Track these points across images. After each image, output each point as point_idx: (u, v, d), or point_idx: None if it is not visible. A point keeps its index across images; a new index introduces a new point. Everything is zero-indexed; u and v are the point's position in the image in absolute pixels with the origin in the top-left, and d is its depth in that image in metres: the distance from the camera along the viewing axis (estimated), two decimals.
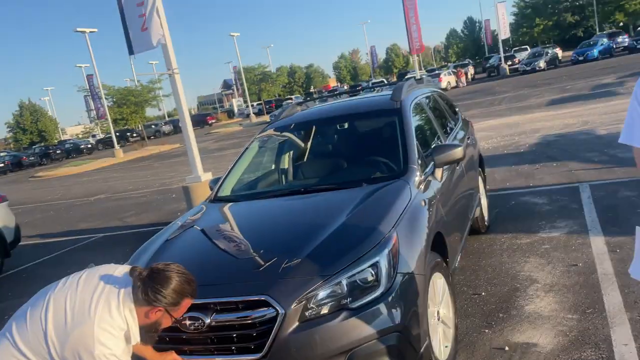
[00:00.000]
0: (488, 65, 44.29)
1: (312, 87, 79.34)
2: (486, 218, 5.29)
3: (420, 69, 35.32)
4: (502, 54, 41.79)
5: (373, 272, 2.45)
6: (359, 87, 33.21)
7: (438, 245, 3.08)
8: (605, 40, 36.32)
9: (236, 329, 2.38)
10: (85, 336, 1.89)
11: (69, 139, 56.07)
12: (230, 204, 3.75)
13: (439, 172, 3.58)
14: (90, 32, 30.58)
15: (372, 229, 2.66)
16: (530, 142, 9.70)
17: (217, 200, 3.90)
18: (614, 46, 35.52)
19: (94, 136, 51.36)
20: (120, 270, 2.08)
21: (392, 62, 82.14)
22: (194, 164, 7.41)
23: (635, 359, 2.77)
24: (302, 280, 2.39)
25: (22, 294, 5.87)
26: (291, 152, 4.51)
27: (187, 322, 2.38)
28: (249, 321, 2.35)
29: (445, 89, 31.18)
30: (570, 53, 37.91)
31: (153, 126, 52.21)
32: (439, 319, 2.89)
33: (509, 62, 40.44)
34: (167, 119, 62.03)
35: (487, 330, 3.34)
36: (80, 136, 58.40)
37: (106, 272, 2.06)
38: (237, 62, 50.10)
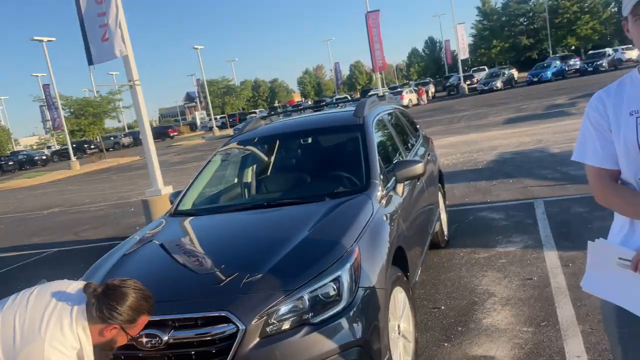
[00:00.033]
0: (448, 84, 45.56)
1: (276, 101, 79.50)
2: (446, 233, 5.39)
3: (383, 86, 35.95)
4: (461, 74, 43.12)
5: (335, 287, 2.45)
6: (323, 103, 33.51)
7: (399, 259, 3.12)
8: (558, 62, 38.07)
9: (195, 346, 2.33)
10: (35, 355, 1.80)
11: (23, 150, 53.95)
12: (191, 217, 3.69)
13: (400, 188, 3.64)
14: (48, 41, 29.72)
15: (334, 244, 2.66)
16: (488, 159, 9.99)
17: (177, 214, 3.83)
18: (567, 68, 37.21)
19: (49, 147, 49.68)
20: (74, 286, 2.00)
21: (356, 78, 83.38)
22: (154, 176, 7.26)
23: None
24: (264, 295, 2.37)
25: None
26: (254, 166, 4.49)
27: (144, 340, 2.31)
28: (208, 338, 2.31)
29: (406, 106, 31.85)
30: (525, 74, 39.48)
31: (112, 138, 51.03)
32: (399, 333, 2.92)
33: (468, 82, 41.76)
34: (127, 130, 60.73)
35: (446, 344, 3.39)
36: (34, 147, 56.40)
37: (59, 288, 1.98)
38: (200, 75, 49.74)
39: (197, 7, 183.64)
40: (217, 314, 2.32)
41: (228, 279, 2.50)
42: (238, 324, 2.27)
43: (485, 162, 9.72)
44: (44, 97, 36.26)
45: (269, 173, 4.37)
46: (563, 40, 57.00)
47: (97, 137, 39.79)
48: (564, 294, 3.75)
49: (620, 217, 1.78)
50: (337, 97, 51.98)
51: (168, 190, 7.11)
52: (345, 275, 2.48)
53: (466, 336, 3.44)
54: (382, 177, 3.47)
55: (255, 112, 51.83)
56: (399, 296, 2.95)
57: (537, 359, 3.04)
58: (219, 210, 3.79)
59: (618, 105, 1.71)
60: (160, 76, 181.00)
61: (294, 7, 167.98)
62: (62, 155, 43.24)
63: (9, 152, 53.70)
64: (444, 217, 5.42)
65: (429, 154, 5.17)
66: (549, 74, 35.47)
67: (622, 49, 38.46)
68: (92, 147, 45.03)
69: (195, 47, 44.96)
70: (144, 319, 2.00)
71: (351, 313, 2.42)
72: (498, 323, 3.53)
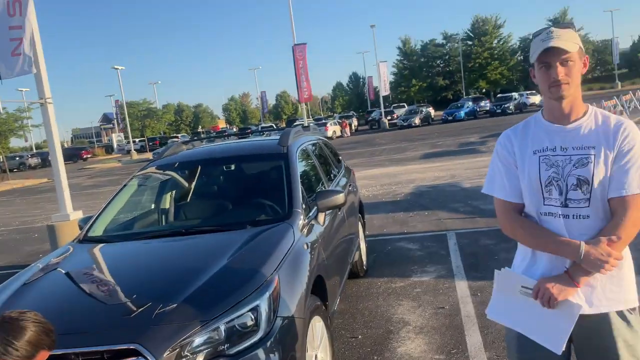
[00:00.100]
0: (370, 118, 47.24)
1: (200, 126, 78.08)
2: (364, 262, 5.50)
3: (308, 117, 36.57)
4: (382, 109, 44.95)
5: (253, 317, 2.41)
6: (249, 130, 33.41)
7: (318, 288, 3.13)
8: (470, 103, 40.96)
9: None
10: None
11: None
12: (102, 244, 3.49)
13: (321, 217, 3.68)
14: None
15: (253, 272, 2.63)
16: (406, 192, 10.40)
17: (86, 240, 3.61)
18: (478, 109, 39.98)
19: None
20: None
21: (282, 108, 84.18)
22: (62, 200, 6.83)
23: None
24: (177, 327, 2.28)
25: None
26: (173, 192, 4.35)
27: None
28: None
29: (330, 138, 32.53)
30: (441, 113, 41.91)
31: (17, 158, 47.42)
32: None
33: (389, 117, 43.58)
34: (34, 151, 56.73)
35: None
36: None
37: None
38: (120, 96, 47.91)
39: (119, 26, 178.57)
40: (126, 347, 2.19)
41: (139, 310, 2.38)
42: (149, 357, 2.16)
43: (404, 195, 10.10)
44: None
45: (188, 199, 4.26)
46: (475, 83, 61.57)
47: (1, 157, 36.85)
48: (473, 322, 3.94)
49: (523, 247, 1.92)
50: (263, 125, 52.13)
51: (77, 215, 6.70)
52: (263, 304, 2.44)
53: None
54: (304, 206, 3.50)
55: (177, 137, 50.46)
56: (317, 326, 2.95)
57: None
58: (133, 237, 3.61)
59: (524, 144, 1.88)
60: (75, 95, 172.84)
61: (221, 34, 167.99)
62: None
63: None
64: (363, 246, 5.53)
65: (350, 185, 5.30)
66: (462, 113, 38.01)
67: (527, 94, 42.13)
68: None
69: (116, 67, 43.43)
70: (44, 355, 1.85)
71: (268, 343, 2.38)
72: (412, 351, 3.63)
